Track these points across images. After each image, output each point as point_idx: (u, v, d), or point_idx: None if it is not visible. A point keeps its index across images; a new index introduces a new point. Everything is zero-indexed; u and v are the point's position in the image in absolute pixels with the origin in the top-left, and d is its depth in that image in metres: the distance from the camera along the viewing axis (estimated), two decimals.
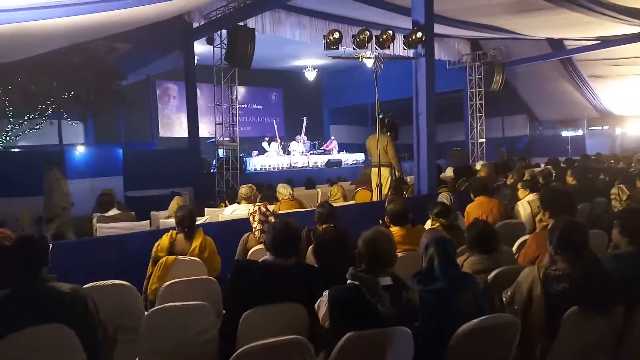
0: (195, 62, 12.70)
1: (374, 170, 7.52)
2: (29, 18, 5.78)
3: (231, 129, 12.33)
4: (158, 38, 11.33)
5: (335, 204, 5.18)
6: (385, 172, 7.44)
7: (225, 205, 7.56)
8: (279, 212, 5.96)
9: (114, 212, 5.78)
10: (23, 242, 2.56)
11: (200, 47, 12.93)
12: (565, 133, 18.53)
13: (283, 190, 6.46)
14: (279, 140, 16.22)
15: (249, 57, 10.76)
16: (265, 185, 8.28)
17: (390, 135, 7.55)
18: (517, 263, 3.51)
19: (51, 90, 12.41)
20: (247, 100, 19.45)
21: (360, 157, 17.42)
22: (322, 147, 17.46)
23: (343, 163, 16.34)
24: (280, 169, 15.00)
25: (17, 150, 12.97)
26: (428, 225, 4.66)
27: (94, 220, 5.87)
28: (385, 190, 7.43)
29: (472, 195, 5.51)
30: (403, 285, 2.56)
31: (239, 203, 6.16)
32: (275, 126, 16.67)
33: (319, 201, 8.53)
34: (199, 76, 12.52)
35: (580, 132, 18.63)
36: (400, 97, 17.63)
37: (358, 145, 19.61)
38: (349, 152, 17.44)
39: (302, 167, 15.51)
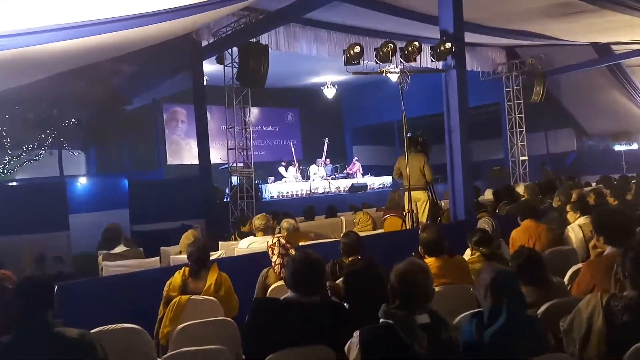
0: (205, 82, 12.96)
1: (406, 194, 7.52)
2: (28, 43, 5.93)
3: (245, 153, 12.47)
4: (165, 58, 11.63)
5: (361, 234, 5.17)
6: (419, 195, 7.41)
7: (235, 238, 7.64)
8: (300, 244, 6.00)
9: (120, 248, 5.85)
10: (26, 284, 2.60)
11: (210, 67, 13.22)
12: (618, 147, 18.18)
13: (285, 224, 6.58)
14: (297, 164, 16.37)
15: (263, 76, 10.94)
16: (282, 215, 8.32)
17: (425, 153, 7.58)
18: (570, 295, 3.44)
19: (51, 117, 12.72)
20: (262, 122, 19.74)
21: (387, 180, 17.40)
22: (345, 171, 17.54)
23: (368, 187, 16.37)
24: (300, 195, 15.08)
25: (15, 183, 13.23)
26: (467, 255, 4.61)
27: (99, 258, 5.95)
28: (422, 217, 7.39)
29: (519, 219, 5.45)
30: (442, 323, 2.53)
31: (254, 235, 6.20)
32: (293, 149, 16.83)
33: (343, 231, 8.57)
34: (209, 98, 12.77)
35: (635, 146, 18.28)
36: (429, 113, 17.72)
37: (384, 167, 19.58)
38: (375, 175, 17.48)
39: (323, 193, 15.60)
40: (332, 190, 15.84)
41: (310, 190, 15.29)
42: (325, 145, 17.21)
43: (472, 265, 4.21)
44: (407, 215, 7.35)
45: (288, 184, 15.32)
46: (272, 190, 14.74)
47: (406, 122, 7.24)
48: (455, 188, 7.50)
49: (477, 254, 4.37)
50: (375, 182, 17.12)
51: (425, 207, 7.40)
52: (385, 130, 20.63)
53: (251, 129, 12.57)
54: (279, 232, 6.92)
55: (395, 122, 18.69)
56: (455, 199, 7.51)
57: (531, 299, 3.14)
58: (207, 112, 13.37)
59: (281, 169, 16.28)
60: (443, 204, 9.10)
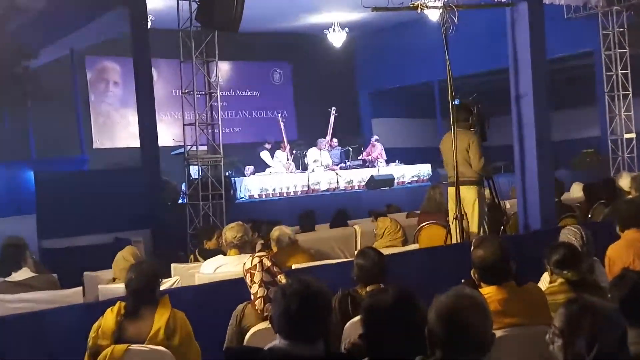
0: (149, 24, 13.01)
1: (451, 191, 7.56)
2: None
3: (210, 131, 12.54)
4: None
5: (385, 251, 5.20)
6: (470, 193, 7.45)
7: (195, 259, 7.66)
8: (294, 265, 5.99)
9: (23, 274, 5.82)
10: None
11: (157, 1, 13.20)
12: None
13: (277, 234, 6.66)
14: (289, 148, 16.48)
15: (237, 15, 10.93)
16: (266, 223, 8.35)
17: (476, 132, 7.61)
18: None
19: None
20: (235, 85, 19.83)
21: (423, 169, 17.55)
22: (361, 157, 17.65)
23: (395, 181, 16.51)
24: (292, 193, 15.21)
25: None
26: (545, 282, 4.60)
27: None
28: (472, 225, 7.45)
29: (617, 229, 5.47)
30: None
31: (224, 254, 6.22)
32: (282, 125, 16.84)
33: (359, 247, 8.59)
34: (155, 48, 12.78)
35: None
36: (485, 69, 17.70)
37: (419, 151, 19.67)
38: (405, 163, 17.60)
39: (328, 190, 15.72)
40: (342, 185, 15.91)
41: (309, 186, 15.35)
42: (332, 118, 17.26)
43: (551, 297, 4.21)
44: (454, 223, 7.37)
45: (275, 177, 15.39)
46: (251, 185, 14.80)
47: (452, 83, 7.23)
48: (526, 182, 7.51)
49: (560, 280, 4.37)
50: (405, 173, 17.19)
51: (475, 210, 7.44)
52: (420, 95, 20.66)
53: (219, 94, 12.58)
54: (263, 249, 6.95)
55: (436, 83, 18.68)
56: (526, 198, 7.53)
57: None
58: (153, 69, 13.38)
59: (265, 155, 16.32)
60: (508, 206, 9.09)
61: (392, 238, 7.50)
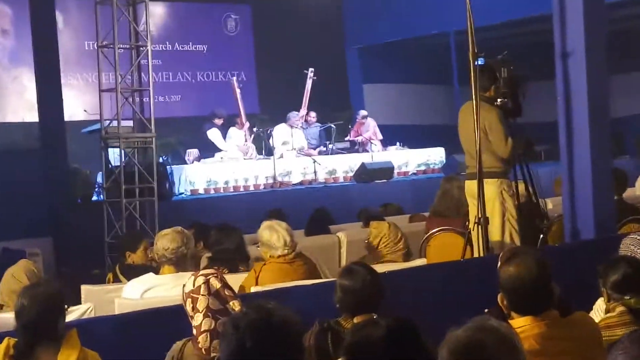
0: None
1: (470, 186, 7.59)
2: None
3: (137, 100, 12.61)
4: None
5: (381, 267, 5.25)
6: (489, 189, 7.44)
7: (115, 278, 7.64)
8: (254, 288, 5.97)
9: None
10: None
11: None
12: None
13: (272, 237, 6.50)
14: (247, 124, 16.49)
15: None
16: (216, 230, 8.30)
17: (501, 104, 7.64)
18: None
19: None
20: (174, 35, 19.71)
21: (436, 155, 17.66)
22: (348, 137, 17.68)
23: (396, 171, 16.62)
24: (251, 188, 15.25)
25: None
26: (599, 310, 4.63)
27: None
28: (495, 233, 7.47)
29: None
30: None
31: (156, 271, 6.23)
32: (238, 92, 16.90)
33: (344, 262, 8.55)
34: None
35: None
36: (518, 17, 17.58)
37: (429, 130, 19.62)
38: (410, 146, 17.72)
39: (301, 183, 15.78)
40: (321, 177, 15.97)
41: (275, 178, 15.34)
42: (308, 83, 17.29)
43: (608, 331, 4.23)
44: (475, 230, 7.37)
45: (228, 165, 15.38)
46: (195, 176, 14.79)
47: (474, 35, 7.23)
48: (575, 173, 7.55)
49: (620, 308, 4.39)
50: (409, 160, 17.30)
51: (496, 212, 7.45)
52: (429, 52, 20.71)
53: (151, 48, 12.50)
54: (210, 265, 6.92)
55: (452, 36, 18.70)
56: (574, 196, 7.56)
57: None
58: (58, 13, 13.24)
59: (214, 134, 16.24)
60: (550, 206, 9.10)
61: (390, 250, 7.45)
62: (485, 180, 7.38)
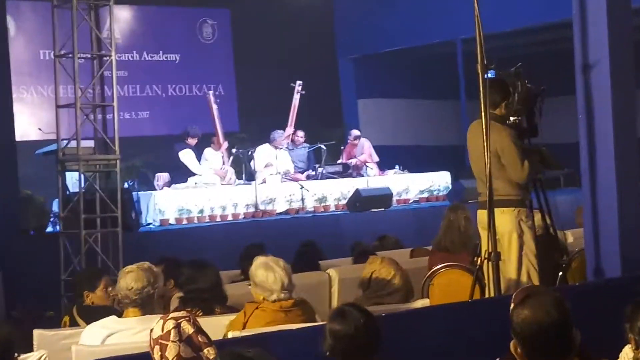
0: None
1: (482, 216, 7.57)
2: None
3: (100, 117, 12.50)
4: None
5: (374, 310, 5.22)
6: (504, 220, 7.42)
7: (72, 322, 7.48)
8: (241, 332, 5.93)
9: None
10: None
11: None
12: None
13: (268, 277, 6.42)
14: (225, 144, 16.52)
15: None
16: (188, 266, 8.26)
17: (514, 123, 7.64)
18: None
19: None
20: (142, 43, 19.77)
21: (441, 180, 17.67)
22: (340, 160, 17.75)
23: (395, 198, 16.66)
24: (229, 217, 15.26)
25: None
26: (625, 358, 4.61)
27: None
28: (509, 270, 7.47)
29: None
30: None
31: (118, 314, 6.19)
32: (215, 108, 16.90)
33: (335, 302, 8.49)
34: None
35: None
36: (535, 23, 17.52)
37: (435, 152, 19.56)
38: (411, 170, 17.76)
39: (286, 212, 15.78)
40: (310, 205, 15.99)
41: (257, 206, 15.34)
42: (295, 98, 17.32)
43: None
44: (486, 267, 7.35)
45: (202, 192, 15.36)
46: (165, 204, 14.75)
47: (483, 45, 7.24)
48: (598, 201, 7.53)
49: None
50: (410, 186, 17.31)
51: (512, 247, 7.41)
52: (433, 62, 20.77)
53: (115, 58, 12.48)
54: (182, 307, 6.89)
55: (459, 44, 18.74)
56: (598, 227, 7.54)
57: None
58: (9, 18, 13.23)
59: (186, 156, 16.18)
60: (571, 239, 9.08)
61: (386, 290, 7.43)
62: (500, 210, 7.35)
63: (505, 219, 7.43)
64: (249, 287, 6.58)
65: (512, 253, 7.48)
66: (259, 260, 6.49)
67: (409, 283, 7.55)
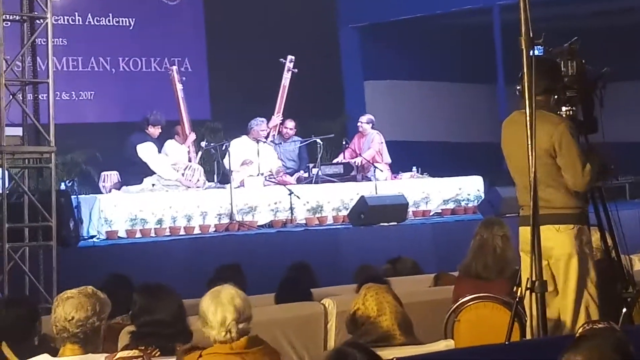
0: None
1: (525, 234, 7.52)
2: None
3: (30, 98, 12.51)
4: None
5: (387, 353, 5.23)
6: (561, 240, 7.43)
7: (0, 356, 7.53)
8: None
9: None
10: None
11: None
12: None
13: (209, 309, 6.42)
14: (192, 135, 16.66)
15: None
16: (143, 292, 8.29)
17: (568, 115, 7.68)
18: None
19: None
20: (84, 4, 19.60)
21: (471, 187, 17.75)
22: (340, 157, 17.88)
23: (411, 209, 16.74)
24: (197, 230, 15.30)
25: None
26: None
27: None
28: (566, 305, 7.46)
29: None
30: None
31: (55, 351, 6.16)
32: (179, 88, 17.04)
33: (332, 342, 8.54)
34: None
35: None
36: None
37: (464, 151, 19.57)
38: (432, 173, 17.91)
39: (270, 224, 15.87)
40: (301, 215, 16.06)
41: (233, 216, 15.36)
42: (285, 77, 17.47)
43: None
44: (529, 299, 7.36)
45: (163, 196, 15.44)
46: (113, 212, 14.79)
47: (528, 13, 7.26)
48: None
49: None
50: (431, 193, 17.40)
51: (571, 275, 7.42)
52: (462, 35, 20.88)
53: (51, 21, 12.46)
54: (134, 343, 6.90)
55: (496, 11, 18.75)
56: None
57: None
58: None
59: (145, 150, 16.18)
60: (637, 266, 9.09)
61: (370, 335, 7.39)
62: (555, 227, 7.33)
63: (562, 239, 7.42)
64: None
65: (570, 283, 7.45)
66: (209, 292, 6.45)
67: (406, 325, 7.45)
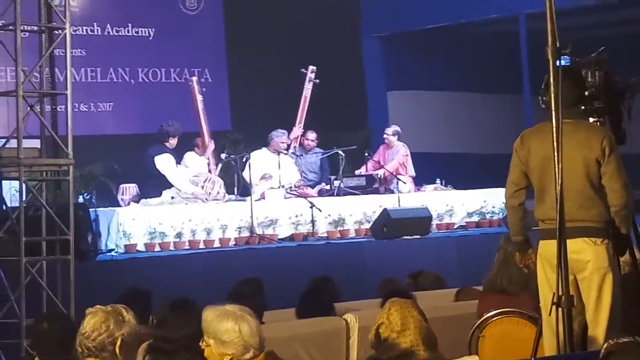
0: None
1: (548, 248, 7.60)
2: None
3: (48, 110, 12.52)
4: None
5: None
6: (592, 255, 7.37)
7: None
8: None
9: None
10: None
11: None
12: None
13: (241, 328, 6.38)
14: (212, 146, 16.62)
15: None
16: (168, 308, 8.28)
17: (612, 125, 7.62)
18: None
19: None
20: (105, 14, 19.65)
21: (496, 200, 17.62)
22: (362, 169, 17.84)
23: (434, 222, 16.74)
24: (217, 244, 15.30)
25: None
26: None
27: None
28: (597, 322, 7.39)
29: None
30: None
31: None
32: (199, 99, 17.03)
33: (356, 357, 8.51)
34: None
35: None
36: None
37: (485, 161, 19.56)
38: (456, 185, 17.88)
39: (291, 237, 15.87)
40: (322, 229, 16.04)
41: (253, 229, 15.36)
42: (307, 87, 17.45)
43: None
44: (555, 314, 7.33)
45: (182, 209, 15.43)
46: (133, 225, 14.77)
47: (554, 23, 7.25)
48: None
49: None
50: (456, 206, 17.39)
51: (605, 291, 7.37)
52: (487, 44, 20.85)
53: (70, 32, 12.48)
54: (151, 356, 6.89)
55: (522, 21, 18.71)
56: None
57: None
58: None
59: (163, 161, 16.16)
60: None
61: (393, 351, 7.36)
62: (592, 240, 7.30)
63: (600, 252, 7.43)
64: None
65: (605, 297, 7.41)
66: (215, 311, 6.39)
67: (430, 340, 7.42)
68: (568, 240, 7.14)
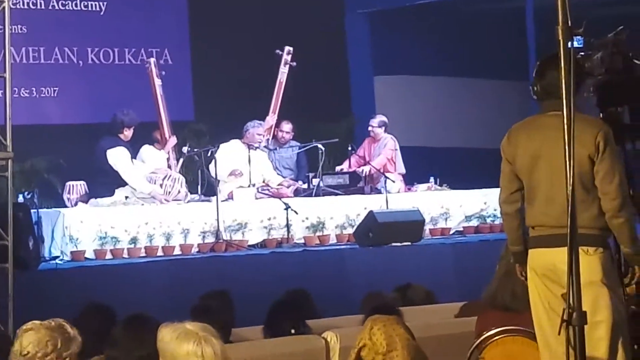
0: None
1: (546, 257, 7.63)
2: None
3: None
4: None
5: None
6: (590, 263, 7.40)
7: None
8: None
9: None
10: None
11: None
12: None
13: (203, 351, 6.41)
14: (171, 141, 16.65)
15: None
16: (122, 326, 8.30)
17: (618, 118, 7.63)
18: None
19: None
20: None
21: (497, 199, 17.09)
22: (344, 165, 17.89)
23: (427, 227, 16.79)
24: (177, 251, 15.30)
25: None
26: None
27: None
28: (601, 339, 7.39)
29: None
30: None
31: None
32: (158, 84, 17.07)
33: None
34: None
35: None
36: None
37: (486, 157, 19.68)
38: (452, 185, 17.96)
39: (262, 244, 15.87)
40: (298, 233, 16.09)
41: (219, 234, 15.38)
42: (282, 71, 17.50)
43: None
44: (562, 332, 7.36)
45: (138, 210, 15.47)
46: (80, 228, 14.77)
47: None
48: None
49: None
50: (451, 208, 17.45)
51: (603, 305, 7.40)
52: (489, 23, 20.98)
53: (8, 5, 12.51)
54: None
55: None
56: None
57: None
58: None
59: (118, 156, 16.14)
60: None
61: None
62: (584, 250, 7.29)
63: (593, 263, 7.46)
64: None
65: (598, 316, 7.43)
66: (173, 331, 6.36)
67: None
68: (556, 249, 7.22)
